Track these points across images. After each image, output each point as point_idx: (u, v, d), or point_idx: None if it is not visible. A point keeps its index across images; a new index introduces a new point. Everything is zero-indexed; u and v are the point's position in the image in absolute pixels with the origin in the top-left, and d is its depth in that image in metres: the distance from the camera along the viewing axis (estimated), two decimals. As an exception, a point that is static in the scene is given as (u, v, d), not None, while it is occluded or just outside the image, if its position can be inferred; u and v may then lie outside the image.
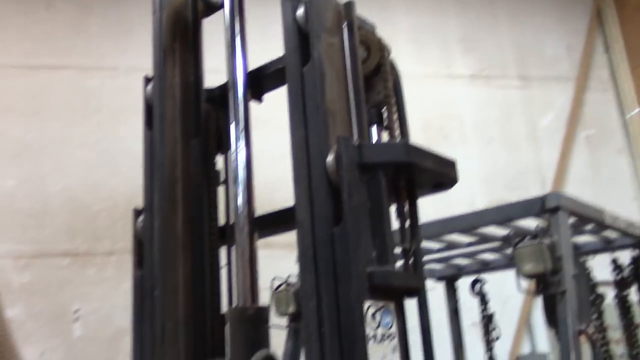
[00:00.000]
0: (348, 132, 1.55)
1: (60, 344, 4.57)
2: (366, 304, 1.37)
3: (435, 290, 3.76)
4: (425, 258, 3.20)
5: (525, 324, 5.37)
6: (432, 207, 5.31)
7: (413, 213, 1.60)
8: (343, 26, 1.67)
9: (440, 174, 1.59)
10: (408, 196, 1.60)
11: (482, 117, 5.87)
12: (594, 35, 6.39)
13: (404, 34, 5.88)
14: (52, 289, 4.65)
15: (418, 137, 5.69)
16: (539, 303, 5.45)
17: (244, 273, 1.67)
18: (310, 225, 1.45)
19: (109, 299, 4.68)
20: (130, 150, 4.88)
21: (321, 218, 1.44)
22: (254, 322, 1.59)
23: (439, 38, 6.02)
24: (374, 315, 1.38)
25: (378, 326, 1.38)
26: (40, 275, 4.66)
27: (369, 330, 1.36)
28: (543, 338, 5.35)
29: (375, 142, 1.61)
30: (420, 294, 1.51)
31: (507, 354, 5.15)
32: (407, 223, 1.59)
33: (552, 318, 2.02)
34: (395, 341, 1.41)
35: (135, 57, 5.12)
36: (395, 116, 1.66)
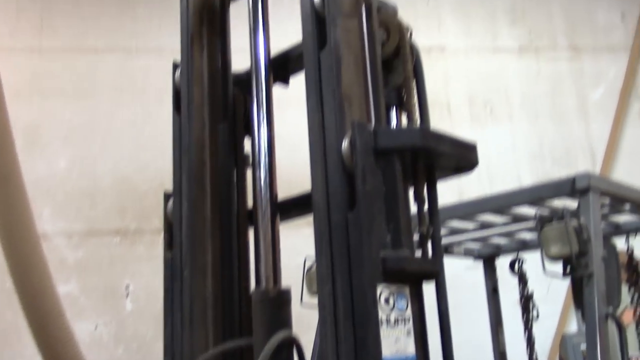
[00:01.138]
0: (365, 116, 1.55)
1: (112, 319, 4.76)
2: (380, 288, 1.38)
3: (476, 270, 3.74)
4: (462, 237, 3.18)
5: (571, 302, 5.27)
6: (476, 184, 5.27)
7: (432, 197, 1.59)
8: (362, 9, 1.66)
9: (460, 158, 1.57)
10: (427, 180, 1.59)
11: (530, 91, 5.73)
12: (650, 2, 6.13)
13: (449, 6, 5.76)
14: (103, 266, 4.83)
15: (463, 112, 5.65)
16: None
17: (267, 256, 1.71)
18: (326, 210, 1.47)
19: (158, 275, 4.80)
20: (175, 131, 4.98)
21: (336, 203, 1.46)
22: (276, 304, 1.62)
23: (485, 9, 5.87)
24: (387, 299, 1.39)
25: (392, 310, 1.40)
26: (93, 253, 4.84)
27: (383, 314, 1.37)
28: (592, 315, 5.25)
29: (391, 127, 1.61)
30: (437, 278, 1.51)
31: (552, 333, 5.09)
32: (426, 207, 1.59)
33: (579, 301, 1.99)
34: (410, 325, 1.42)
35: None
36: (414, 99, 1.65)
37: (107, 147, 5.05)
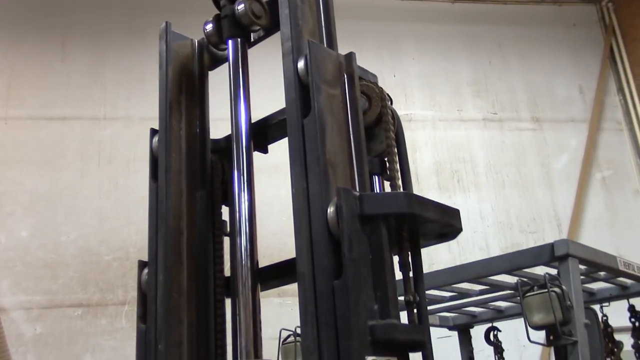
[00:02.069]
0: (349, 183, 1.54)
1: (71, 397, 4.53)
2: (368, 359, 1.33)
3: (451, 339, 3.69)
4: (438, 307, 3.15)
5: (544, 372, 5.23)
6: (447, 253, 5.27)
7: (416, 264, 1.57)
8: (344, 77, 1.67)
9: (444, 224, 1.56)
10: (411, 247, 1.57)
11: (496, 160, 5.85)
12: (606, 76, 6.39)
13: (415, 79, 5.92)
14: (63, 341, 4.63)
15: (431, 181, 5.71)
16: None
17: (247, 326, 1.65)
18: (311, 278, 1.43)
19: (121, 349, 4.65)
20: (142, 200, 4.89)
21: (322, 271, 1.42)
22: (258, 377, 1.55)
23: (449, 81, 6.05)
24: (377, 370, 1.35)
25: (382, 382, 1.35)
26: (52, 327, 4.64)
27: (372, 387, 1.32)
28: (565, 386, 5.21)
29: (376, 193, 1.59)
30: (424, 347, 1.47)
31: (527, 403, 5.02)
32: (411, 274, 1.56)
33: (565, 369, 1.96)
34: (401, 397, 1.37)
35: (148, 107, 5.18)
36: (397, 166, 1.65)
37: (70, 216, 4.94)
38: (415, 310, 1.52)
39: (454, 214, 1.60)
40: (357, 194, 1.47)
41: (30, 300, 4.67)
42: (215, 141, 2.05)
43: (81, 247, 4.87)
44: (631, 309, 2.93)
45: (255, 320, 1.67)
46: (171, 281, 1.83)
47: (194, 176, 1.97)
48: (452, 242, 5.20)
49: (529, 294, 1.99)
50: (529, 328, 1.92)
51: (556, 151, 6.02)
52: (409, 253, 1.57)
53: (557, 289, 1.94)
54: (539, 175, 5.89)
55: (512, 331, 3.66)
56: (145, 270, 1.91)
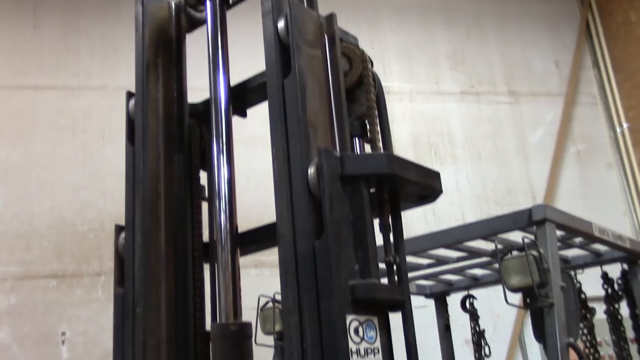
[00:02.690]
0: (330, 144, 1.53)
1: (47, 368, 4.50)
2: (349, 318, 1.34)
3: (427, 308, 3.73)
4: (415, 274, 3.17)
5: (517, 340, 5.33)
6: (423, 224, 5.30)
7: (397, 226, 1.57)
8: (324, 38, 1.65)
9: (424, 185, 1.56)
10: (391, 209, 1.57)
11: (472, 133, 5.88)
12: (582, 50, 6.44)
13: (393, 51, 5.90)
14: (38, 312, 4.59)
15: (408, 153, 5.76)
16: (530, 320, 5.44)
17: (227, 289, 1.64)
18: (292, 239, 1.43)
19: (97, 320, 4.62)
20: (117, 170, 4.84)
21: (303, 231, 1.42)
22: (237, 338, 1.55)
23: (427, 54, 6.04)
24: (357, 330, 1.35)
25: (362, 340, 1.35)
26: (27, 298, 4.59)
27: (352, 345, 1.33)
28: (536, 355, 5.31)
29: (357, 154, 1.59)
30: (404, 307, 1.48)
31: (500, 371, 5.11)
32: (391, 236, 1.56)
33: (540, 332, 1.99)
34: (379, 356, 1.38)
35: (122, 76, 5.11)
36: (377, 128, 1.64)
37: (44, 187, 4.87)
38: (395, 272, 1.53)
39: (434, 176, 1.60)
40: (338, 154, 1.46)
41: (5, 271, 4.61)
42: (193, 105, 2.02)
43: (56, 217, 4.81)
44: (604, 275, 2.99)
45: (234, 283, 1.66)
46: (149, 245, 1.81)
47: (171, 140, 1.94)
48: (429, 213, 5.23)
49: (507, 257, 2.01)
50: (506, 291, 1.95)
51: (532, 124, 6.07)
52: (389, 215, 1.57)
53: (534, 252, 1.96)
54: (515, 148, 5.94)
55: (486, 302, 3.72)
56: (123, 235, 1.89)
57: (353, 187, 1.44)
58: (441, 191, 1.61)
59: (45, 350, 4.54)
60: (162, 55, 2.00)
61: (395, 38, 5.94)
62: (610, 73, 6.26)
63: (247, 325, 1.58)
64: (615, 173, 6.18)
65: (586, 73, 6.40)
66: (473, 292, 3.42)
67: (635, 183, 6.07)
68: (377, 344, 1.39)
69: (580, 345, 2.57)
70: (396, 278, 1.52)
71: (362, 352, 1.34)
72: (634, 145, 6.10)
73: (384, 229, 1.55)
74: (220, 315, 1.63)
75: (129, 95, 1.97)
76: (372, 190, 1.53)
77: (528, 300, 1.98)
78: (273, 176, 1.50)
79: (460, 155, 5.73)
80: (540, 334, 1.99)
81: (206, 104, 2.00)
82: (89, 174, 4.95)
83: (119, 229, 1.90)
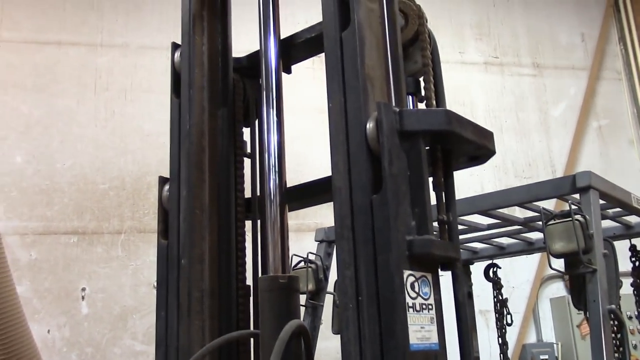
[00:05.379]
0: (387, 99, 1.52)
1: (66, 322, 4.56)
2: (406, 273, 1.34)
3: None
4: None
5: (531, 312, 5.35)
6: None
7: (449, 184, 1.56)
8: (382, -8, 1.62)
9: (479, 145, 1.55)
10: (444, 167, 1.56)
11: (495, 104, 5.83)
12: (608, 24, 6.34)
13: (417, 20, 5.81)
14: (58, 267, 4.63)
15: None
16: (545, 293, 5.44)
17: (275, 243, 1.64)
18: (349, 193, 1.42)
19: (116, 278, 4.66)
20: (139, 130, 4.85)
21: (359, 185, 1.41)
22: (286, 291, 1.55)
23: (452, 24, 5.96)
24: (413, 285, 1.35)
25: (417, 296, 1.35)
26: (47, 253, 4.63)
27: (409, 300, 1.33)
28: (549, 328, 5.34)
29: (416, 109, 1.57)
30: (456, 264, 1.48)
31: (513, 343, 5.14)
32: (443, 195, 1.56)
33: (581, 299, 1.99)
34: (433, 312, 1.38)
35: (145, 35, 5.08)
36: (432, 86, 1.62)
37: (66, 143, 4.87)
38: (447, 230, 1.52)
39: (489, 136, 1.59)
40: (397, 109, 1.45)
41: (26, 226, 4.64)
42: (238, 59, 2.00)
43: (77, 174, 4.82)
44: (632, 248, 2.98)
45: (283, 238, 1.66)
46: (194, 198, 1.81)
47: (216, 94, 1.93)
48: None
49: (551, 222, 2.00)
50: (548, 258, 1.94)
51: (555, 98, 6.01)
52: (442, 174, 1.56)
53: (580, 218, 1.95)
54: (537, 122, 5.89)
55: (503, 276, 3.70)
56: (167, 187, 1.89)
57: (411, 142, 1.43)
58: (494, 152, 1.60)
59: (65, 305, 4.59)
60: (207, 8, 1.98)
61: (421, 6, 5.85)
62: (636, 48, 6.18)
63: (295, 279, 1.59)
64: (637, 150, 6.13)
65: (612, 48, 6.31)
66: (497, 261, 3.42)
67: (655, 160, 6.03)
68: (432, 300, 1.39)
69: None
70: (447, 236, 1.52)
71: (417, 307, 1.35)
72: (657, 122, 6.06)
73: (437, 188, 1.54)
74: (268, 269, 1.63)
75: (175, 46, 1.95)
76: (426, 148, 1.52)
77: (570, 267, 1.98)
78: (329, 130, 1.49)
79: (482, 126, 5.68)
80: (581, 301, 1.99)
81: (250, 58, 1.98)
82: (110, 132, 4.95)
83: (162, 181, 1.90)
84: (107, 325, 4.59)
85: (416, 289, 1.36)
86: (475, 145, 1.55)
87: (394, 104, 1.53)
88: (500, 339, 3.36)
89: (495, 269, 3.37)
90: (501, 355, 3.33)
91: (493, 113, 5.77)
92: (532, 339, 5.37)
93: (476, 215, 2.77)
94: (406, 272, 1.34)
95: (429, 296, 1.39)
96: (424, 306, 1.37)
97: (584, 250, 1.94)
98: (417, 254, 1.36)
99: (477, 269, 3.43)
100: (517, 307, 5.25)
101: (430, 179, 1.54)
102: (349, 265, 1.39)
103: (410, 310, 1.33)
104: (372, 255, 1.37)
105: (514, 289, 5.09)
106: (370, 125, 1.42)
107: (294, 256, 2.59)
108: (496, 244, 3.28)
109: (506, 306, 3.35)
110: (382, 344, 1.31)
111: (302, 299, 2.64)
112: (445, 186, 1.56)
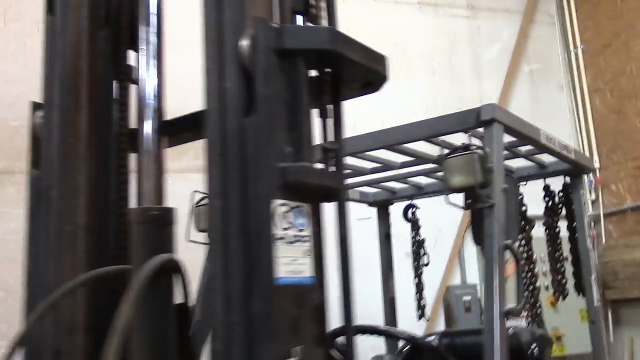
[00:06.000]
0: (268, 15, 1.38)
1: (-24, 266, 4.34)
2: (278, 203, 1.23)
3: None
4: (358, 180, 3.10)
5: (457, 254, 5.41)
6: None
7: (337, 112, 1.45)
8: None
9: (369, 69, 1.44)
10: (333, 93, 1.45)
11: (428, 46, 5.73)
12: (543, -33, 6.28)
13: (352, -44, 5.62)
14: (-33, 208, 4.39)
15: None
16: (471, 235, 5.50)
17: (149, 173, 1.52)
18: (219, 115, 1.30)
19: (30, 219, 4.44)
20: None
21: (232, 107, 1.29)
22: (157, 223, 1.44)
23: (387, -39, 5.79)
24: (285, 215, 1.25)
25: (290, 227, 1.26)
26: (-45, 193, 4.38)
27: (279, 231, 1.23)
28: (474, 270, 5.41)
29: (296, 25, 1.44)
30: (339, 196, 1.38)
31: (437, 284, 5.20)
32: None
33: (479, 234, 1.94)
34: (308, 245, 1.29)
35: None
36: (322, 4, 1.49)
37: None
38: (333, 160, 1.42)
39: (380, 59, 1.48)
40: (276, 25, 1.32)
41: None
42: (122, -24, 1.82)
43: (-15, 111, 4.53)
44: (546, 187, 2.97)
45: (159, 168, 1.54)
46: (68, 125, 1.66)
47: (96, 13, 1.76)
48: (378, 126, 5.13)
49: (451, 155, 1.93)
50: (445, 194, 1.88)
51: (488, 41, 5.96)
52: (330, 101, 1.45)
53: (479, 151, 1.89)
54: (469, 65, 5.84)
55: (431, 215, 3.67)
56: (40, 113, 1.73)
57: (290, 62, 1.31)
58: (386, 78, 1.50)
59: (-25, 248, 4.37)
60: None
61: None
62: (569, -7, 6.16)
63: (170, 211, 1.47)
64: (566, 95, 6.18)
65: (546, -9, 6.27)
66: (418, 202, 3.38)
67: (583, 106, 6.09)
68: (308, 231, 1.30)
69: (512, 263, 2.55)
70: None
71: (289, 238, 1.25)
72: (587, 67, 6.08)
73: (322, 114, 1.44)
74: (141, 201, 1.51)
75: (49, -41, 1.76)
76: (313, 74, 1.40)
77: (469, 201, 1.92)
78: (203, 47, 1.35)
79: (414, 69, 5.60)
80: (479, 237, 1.94)
81: (137, -25, 1.81)
82: (22, 66, 4.63)
83: (35, 106, 1.74)
84: (20, 269, 4.39)
85: (290, 220, 1.26)
86: (365, 69, 1.44)
87: (277, 21, 1.40)
88: (416, 278, 3.35)
89: (414, 210, 3.33)
90: (417, 294, 3.33)
91: (426, 55, 5.68)
92: (457, 280, 5.44)
93: (391, 153, 2.70)
94: (277, 202, 1.24)
95: (305, 227, 1.29)
96: (298, 237, 1.27)
97: (482, 184, 1.88)
98: (291, 182, 1.25)
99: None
100: (443, 250, 5.30)
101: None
102: (218, 194, 1.28)
103: (280, 241, 1.23)
104: (243, 184, 1.26)
105: (441, 232, 5.11)
106: (245, 42, 1.29)
107: (195, 192, 2.46)
108: (414, 183, 3.23)
109: (423, 247, 3.32)
110: (247, 277, 1.22)
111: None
112: (334, 113, 1.46)
